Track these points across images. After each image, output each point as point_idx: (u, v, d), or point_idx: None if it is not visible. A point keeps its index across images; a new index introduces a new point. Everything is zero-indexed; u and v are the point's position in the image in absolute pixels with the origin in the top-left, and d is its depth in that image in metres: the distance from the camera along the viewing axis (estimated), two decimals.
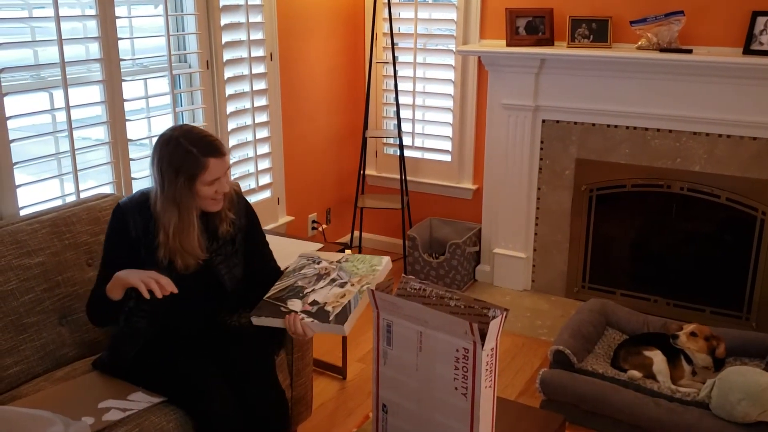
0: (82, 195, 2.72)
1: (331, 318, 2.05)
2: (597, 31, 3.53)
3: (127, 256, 2.10)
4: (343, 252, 2.51)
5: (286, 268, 2.36)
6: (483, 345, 1.49)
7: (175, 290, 2.03)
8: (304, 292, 2.19)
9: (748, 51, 3.22)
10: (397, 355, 1.66)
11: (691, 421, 2.52)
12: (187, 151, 2.04)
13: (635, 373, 2.78)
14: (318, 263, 2.33)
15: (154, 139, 3.06)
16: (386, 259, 2.29)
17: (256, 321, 2.17)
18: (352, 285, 2.18)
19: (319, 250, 2.37)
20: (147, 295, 1.99)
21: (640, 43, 3.43)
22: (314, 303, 2.13)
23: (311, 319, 2.07)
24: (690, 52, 3.29)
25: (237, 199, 2.27)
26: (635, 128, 3.55)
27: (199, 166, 2.05)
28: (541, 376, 2.80)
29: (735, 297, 3.50)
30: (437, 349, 1.57)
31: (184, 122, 3.30)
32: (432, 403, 1.62)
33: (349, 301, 2.09)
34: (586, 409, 2.72)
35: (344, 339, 3.13)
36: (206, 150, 2.06)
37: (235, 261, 2.26)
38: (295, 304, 2.14)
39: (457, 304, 1.64)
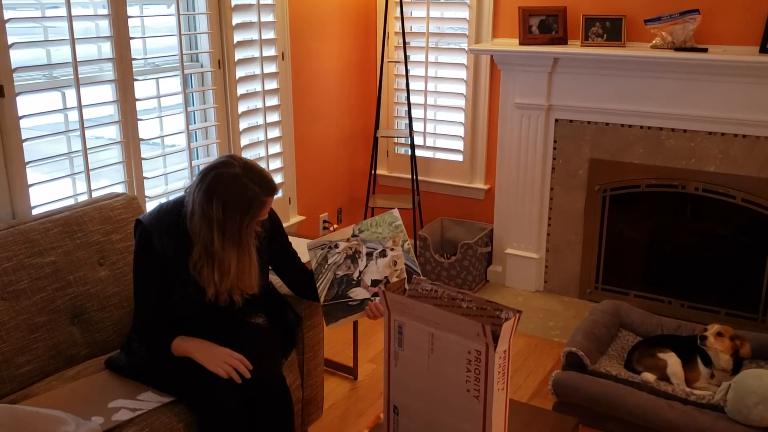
0: (94, 194, 2.73)
1: (406, 286, 2.08)
2: (611, 29, 3.50)
3: (160, 276, 2.11)
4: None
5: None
6: (496, 347, 1.47)
7: (250, 368, 2.08)
8: (355, 278, 2.19)
9: (764, 50, 3.18)
10: (408, 357, 1.64)
11: (706, 424, 2.49)
12: (255, 193, 2.02)
13: (649, 376, 2.75)
14: (336, 247, 2.31)
15: (167, 139, 3.12)
16: (395, 211, 2.31)
17: (335, 325, 2.19)
18: (393, 249, 2.19)
19: (322, 236, 2.37)
20: (226, 377, 2.04)
21: (654, 42, 3.40)
22: (375, 282, 2.13)
23: None
24: (705, 51, 3.26)
25: None
26: (649, 128, 3.52)
27: (261, 206, 2.05)
28: (554, 377, 2.78)
29: (750, 299, 3.46)
30: (449, 351, 1.56)
31: (196, 123, 3.30)
32: (444, 405, 1.61)
33: (407, 264, 2.11)
34: (599, 411, 2.69)
35: (355, 339, 3.12)
36: (268, 190, 2.06)
37: (260, 268, 2.25)
38: (359, 293, 2.14)
39: (470, 306, 1.63)
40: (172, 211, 2.12)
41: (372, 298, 2.15)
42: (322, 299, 2.25)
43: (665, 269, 3.71)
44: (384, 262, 2.19)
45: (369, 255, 2.23)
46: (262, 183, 2.05)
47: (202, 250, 2.05)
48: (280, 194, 3.75)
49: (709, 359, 2.76)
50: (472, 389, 1.54)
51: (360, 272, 2.21)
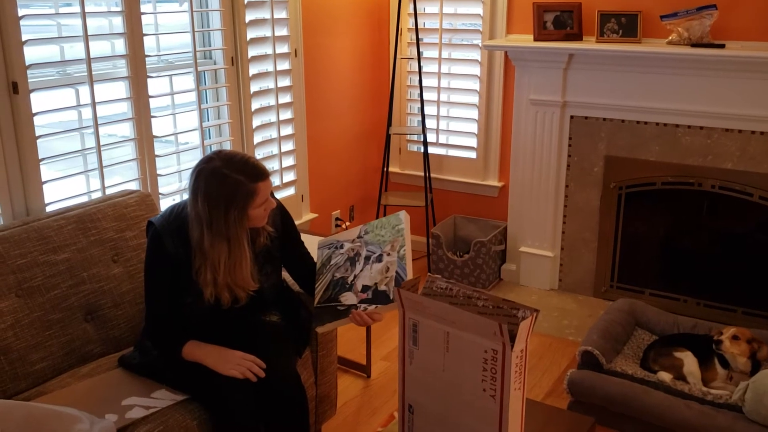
0: (108, 191, 2.73)
1: (391, 295, 2.05)
2: (626, 25, 3.46)
3: (172, 278, 2.10)
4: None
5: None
6: (513, 346, 1.45)
7: (263, 367, 2.07)
8: (349, 282, 2.16)
9: None
10: (423, 356, 1.62)
11: (724, 424, 2.45)
12: (237, 182, 1.98)
13: (665, 375, 2.72)
14: (341, 247, 2.29)
15: (180, 137, 3.12)
16: (402, 213, 2.27)
17: (322, 329, 2.17)
18: (389, 254, 2.15)
19: (333, 234, 2.35)
20: (242, 377, 2.03)
21: (670, 38, 3.36)
22: (365, 288, 2.10)
23: (374, 306, 2.05)
24: (722, 47, 3.21)
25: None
26: (665, 125, 3.48)
27: (249, 194, 2.01)
28: (569, 377, 2.76)
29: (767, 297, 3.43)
30: (465, 350, 1.54)
31: (210, 120, 3.29)
32: (459, 404, 1.59)
33: (397, 271, 2.08)
34: (615, 410, 2.66)
35: (368, 337, 3.11)
36: (254, 176, 2.01)
37: (271, 268, 2.24)
38: (349, 298, 2.11)
39: (486, 305, 1.61)
40: (183, 212, 2.11)
41: (357, 305, 2.12)
42: (316, 301, 2.23)
43: (681, 267, 3.67)
44: (378, 267, 2.15)
45: (367, 259, 2.21)
46: (245, 170, 2.00)
47: (199, 254, 2.04)
48: (292, 191, 3.74)
49: (727, 361, 2.73)
50: (489, 389, 1.52)
51: (355, 276, 2.18)
